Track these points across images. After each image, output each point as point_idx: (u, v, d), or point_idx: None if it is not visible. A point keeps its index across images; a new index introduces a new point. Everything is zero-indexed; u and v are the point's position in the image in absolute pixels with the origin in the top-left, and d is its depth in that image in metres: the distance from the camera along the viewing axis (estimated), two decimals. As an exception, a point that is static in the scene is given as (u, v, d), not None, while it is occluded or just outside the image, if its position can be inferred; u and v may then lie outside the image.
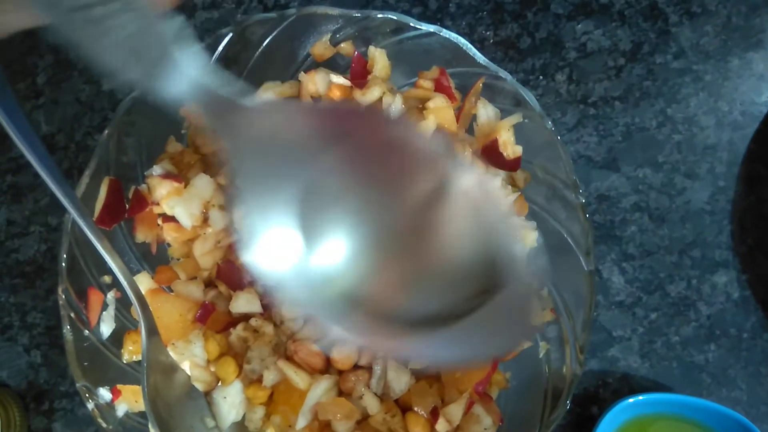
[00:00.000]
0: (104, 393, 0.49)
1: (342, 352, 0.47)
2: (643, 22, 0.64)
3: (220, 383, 0.50)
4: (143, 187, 0.53)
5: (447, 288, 0.31)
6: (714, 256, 0.60)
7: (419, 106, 0.51)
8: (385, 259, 0.31)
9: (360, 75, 0.53)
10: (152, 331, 0.46)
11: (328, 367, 0.49)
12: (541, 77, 0.64)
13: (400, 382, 0.48)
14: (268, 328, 0.50)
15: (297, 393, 0.48)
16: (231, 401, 0.50)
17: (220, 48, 0.53)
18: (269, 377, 0.49)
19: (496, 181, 0.29)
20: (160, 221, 0.52)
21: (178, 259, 0.54)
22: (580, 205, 0.49)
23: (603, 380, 0.59)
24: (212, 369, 0.50)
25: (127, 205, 0.53)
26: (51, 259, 0.64)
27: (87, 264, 0.51)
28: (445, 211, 0.30)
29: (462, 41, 0.51)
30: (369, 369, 0.48)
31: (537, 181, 0.53)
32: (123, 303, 0.52)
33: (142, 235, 0.54)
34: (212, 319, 0.51)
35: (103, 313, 0.51)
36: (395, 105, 0.50)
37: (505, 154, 0.50)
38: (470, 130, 0.54)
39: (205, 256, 0.51)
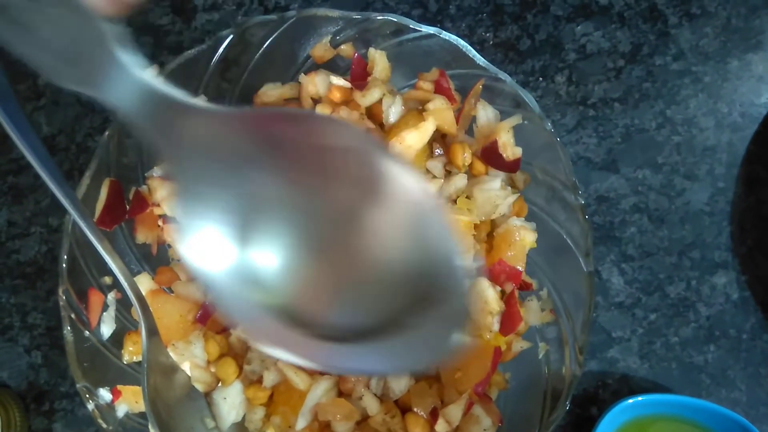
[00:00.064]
0: (104, 394, 0.49)
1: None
2: (643, 23, 0.64)
3: (220, 384, 0.50)
4: (144, 188, 0.53)
5: (380, 298, 0.30)
6: (713, 258, 0.60)
7: (419, 108, 0.51)
8: (318, 267, 0.31)
9: (360, 77, 0.54)
10: (152, 331, 0.46)
11: (327, 367, 0.49)
12: (540, 79, 0.64)
13: (399, 383, 0.48)
14: (268, 329, 0.50)
15: (297, 394, 0.48)
16: (231, 402, 0.50)
17: (221, 50, 0.53)
18: (269, 378, 0.49)
19: (433, 187, 0.28)
20: (160, 222, 0.52)
21: (179, 260, 0.54)
22: (579, 206, 0.49)
23: (602, 381, 0.59)
24: (212, 370, 0.50)
25: (127, 207, 0.53)
26: (52, 260, 0.64)
27: (87, 265, 0.51)
28: (381, 219, 0.30)
29: (462, 43, 0.51)
30: (369, 370, 0.48)
31: (536, 182, 0.53)
32: (123, 304, 0.52)
33: (142, 236, 0.54)
34: (213, 319, 0.51)
35: (104, 313, 0.51)
36: (395, 106, 0.51)
37: (504, 155, 0.50)
38: (470, 132, 0.54)
39: (206, 257, 0.51)
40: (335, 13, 0.52)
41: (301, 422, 0.47)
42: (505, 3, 0.66)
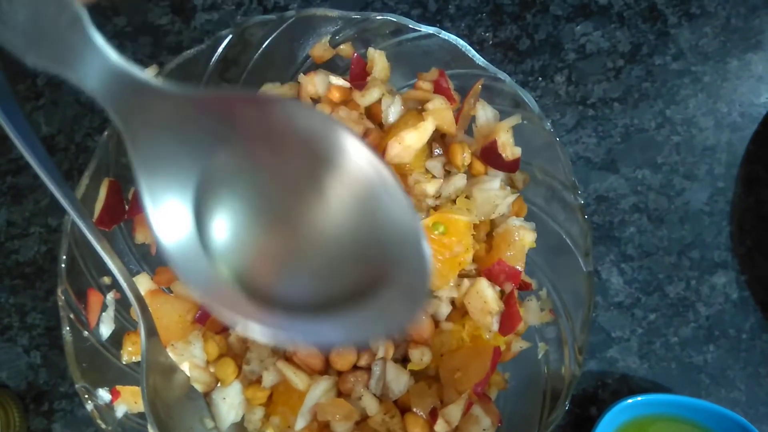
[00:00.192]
0: (103, 394, 0.49)
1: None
2: (642, 23, 0.64)
3: (219, 384, 0.50)
4: (139, 203, 0.53)
5: (339, 270, 0.32)
6: (713, 257, 0.60)
7: (418, 108, 0.51)
8: (275, 240, 0.32)
9: (359, 76, 0.54)
10: (151, 332, 0.46)
11: (327, 367, 0.49)
12: (540, 78, 0.64)
13: (399, 383, 0.48)
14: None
15: (296, 394, 0.48)
16: (230, 402, 0.50)
17: (220, 49, 0.53)
18: (268, 378, 0.49)
19: (385, 166, 0.30)
20: (159, 222, 0.52)
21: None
22: (578, 206, 0.49)
23: (602, 381, 0.59)
24: (211, 370, 0.50)
25: (126, 207, 0.53)
26: (51, 260, 0.64)
27: (86, 265, 0.51)
28: (338, 194, 0.31)
29: (461, 43, 0.51)
30: (368, 370, 0.48)
31: (536, 182, 0.53)
32: (122, 304, 0.52)
33: (141, 236, 0.54)
34: (212, 320, 0.51)
35: (103, 314, 0.51)
36: (394, 106, 0.50)
37: (504, 155, 0.50)
38: (469, 132, 0.54)
39: (205, 257, 0.51)
40: (334, 12, 0.52)
41: (300, 422, 0.47)
42: (505, 3, 0.66)
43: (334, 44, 0.55)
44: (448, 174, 0.52)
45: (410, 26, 0.51)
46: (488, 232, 0.52)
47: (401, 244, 0.30)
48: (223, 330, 0.52)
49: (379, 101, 0.51)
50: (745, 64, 0.63)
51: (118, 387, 0.50)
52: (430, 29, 0.51)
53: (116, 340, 0.51)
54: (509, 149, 0.51)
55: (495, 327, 0.48)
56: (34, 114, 0.67)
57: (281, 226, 0.32)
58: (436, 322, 0.49)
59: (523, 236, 0.50)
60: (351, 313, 0.31)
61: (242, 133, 0.31)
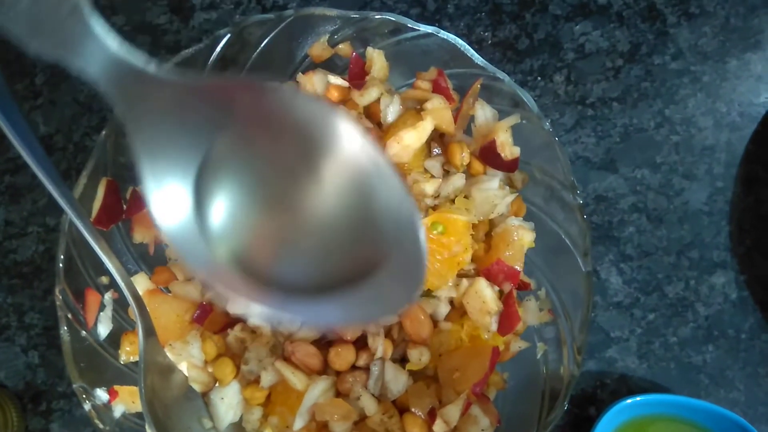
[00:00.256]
0: (101, 394, 0.49)
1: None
2: (642, 23, 0.64)
3: (217, 384, 0.50)
4: (141, 187, 0.53)
5: (335, 253, 0.32)
6: (712, 257, 0.60)
7: (417, 107, 0.51)
8: (273, 223, 0.33)
9: (358, 76, 0.53)
10: (149, 331, 0.46)
11: (325, 367, 0.49)
12: (539, 78, 0.64)
13: (397, 383, 0.48)
14: (266, 329, 0.50)
15: (294, 394, 0.48)
16: (228, 402, 0.50)
17: (218, 49, 0.53)
18: (267, 378, 0.49)
19: (381, 152, 0.30)
20: (157, 222, 0.52)
21: (176, 260, 0.54)
22: (577, 206, 0.49)
23: (601, 381, 0.59)
24: (210, 370, 0.50)
25: (124, 206, 0.53)
26: (49, 259, 0.64)
27: (84, 265, 0.51)
28: (334, 178, 0.32)
29: (460, 42, 0.51)
30: (366, 370, 0.48)
31: (535, 182, 0.53)
32: (120, 304, 0.52)
33: (139, 236, 0.54)
34: (210, 319, 0.51)
35: (101, 313, 0.51)
36: (393, 106, 0.50)
37: (503, 155, 0.50)
38: (468, 131, 0.54)
39: (203, 256, 0.51)
40: (333, 12, 0.52)
41: (299, 422, 0.47)
42: (504, 2, 0.66)
43: (332, 43, 0.55)
44: (446, 174, 0.52)
45: (409, 25, 0.51)
46: (487, 232, 0.52)
47: (396, 228, 0.31)
48: (222, 330, 0.51)
49: (377, 101, 0.51)
50: (744, 64, 0.63)
51: (116, 387, 0.50)
52: (429, 28, 0.51)
53: (114, 339, 0.51)
54: (508, 149, 0.50)
55: (494, 327, 0.48)
56: (33, 113, 0.66)
57: (279, 210, 0.33)
58: (435, 322, 0.49)
59: (521, 236, 0.49)
60: (348, 295, 0.31)
61: (241, 118, 0.31)
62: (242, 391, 0.50)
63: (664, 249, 0.60)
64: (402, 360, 0.49)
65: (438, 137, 0.52)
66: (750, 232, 0.60)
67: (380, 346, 0.48)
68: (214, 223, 0.32)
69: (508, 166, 0.51)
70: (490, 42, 0.65)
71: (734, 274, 0.60)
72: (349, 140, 0.31)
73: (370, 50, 0.53)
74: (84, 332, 0.50)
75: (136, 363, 0.50)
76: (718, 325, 0.59)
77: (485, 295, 0.48)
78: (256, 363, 0.49)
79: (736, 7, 0.64)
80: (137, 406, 0.50)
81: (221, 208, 0.32)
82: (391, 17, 0.51)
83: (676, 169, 0.62)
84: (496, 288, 0.49)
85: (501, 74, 0.50)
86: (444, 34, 0.51)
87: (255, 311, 0.31)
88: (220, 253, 0.32)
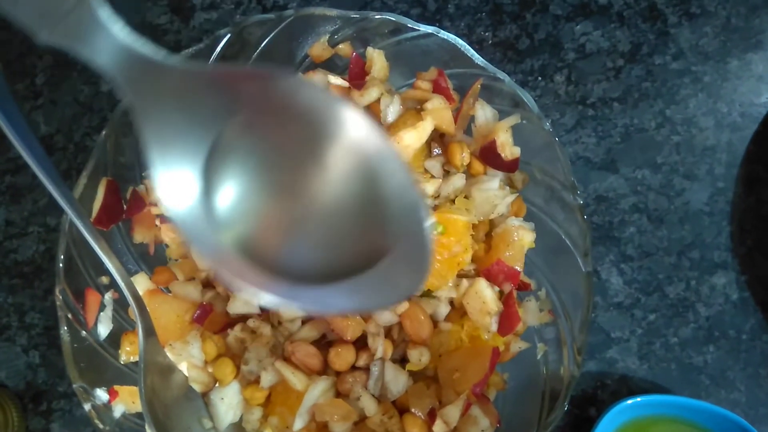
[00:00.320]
0: (101, 394, 0.49)
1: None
2: (642, 23, 0.64)
3: (217, 384, 0.50)
4: (141, 187, 0.53)
5: (340, 239, 0.32)
6: (713, 258, 0.60)
7: (417, 107, 0.51)
8: (281, 209, 0.33)
9: (358, 76, 0.53)
10: (149, 331, 0.46)
11: (325, 368, 0.49)
12: (539, 78, 0.64)
13: (397, 384, 0.47)
14: (266, 329, 0.50)
15: (294, 394, 0.48)
16: (228, 402, 0.50)
17: (219, 49, 0.53)
18: (267, 378, 0.49)
19: (388, 139, 0.30)
20: (157, 222, 0.52)
21: (176, 260, 0.54)
22: (578, 206, 0.49)
23: (601, 381, 0.59)
24: (210, 370, 0.50)
25: (124, 206, 0.53)
26: (49, 259, 0.64)
27: (84, 265, 0.51)
28: (341, 165, 0.32)
29: (460, 42, 0.51)
30: (366, 370, 0.48)
31: (535, 182, 0.53)
32: (120, 304, 0.52)
33: (139, 236, 0.54)
34: (210, 320, 0.51)
35: (101, 313, 0.51)
36: (393, 106, 0.50)
37: (503, 155, 0.50)
38: (468, 131, 0.53)
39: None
40: (333, 12, 0.52)
41: (299, 423, 0.47)
42: (504, 2, 0.66)
43: (332, 43, 0.55)
44: (446, 174, 0.51)
45: (409, 25, 0.51)
46: (487, 232, 0.52)
47: (402, 214, 0.31)
48: (222, 330, 0.51)
49: (377, 101, 0.51)
50: (746, 64, 0.63)
51: (116, 387, 0.50)
52: (429, 28, 0.51)
53: (114, 339, 0.51)
54: (508, 149, 0.50)
55: (494, 327, 0.48)
56: (33, 113, 0.67)
57: (286, 197, 0.33)
58: (435, 323, 0.49)
59: (522, 236, 0.49)
60: (355, 282, 0.31)
61: (248, 106, 0.32)
62: (242, 392, 0.50)
63: (665, 249, 0.60)
64: (402, 360, 0.49)
65: (438, 137, 0.52)
66: (751, 232, 0.60)
67: (380, 347, 0.48)
68: (222, 210, 0.32)
69: (508, 167, 0.51)
70: (490, 42, 0.65)
71: (735, 275, 0.59)
72: (356, 127, 0.31)
73: (370, 50, 0.53)
74: (84, 332, 0.50)
75: (136, 363, 0.50)
76: (719, 326, 0.59)
77: (485, 295, 0.48)
78: (256, 363, 0.49)
79: (737, 7, 0.64)
80: (137, 406, 0.50)
81: (229, 194, 0.33)
82: (391, 17, 0.51)
83: (677, 170, 0.61)
84: (497, 288, 0.49)
85: (501, 74, 0.50)
86: (444, 34, 0.51)
87: (264, 298, 0.31)
88: (228, 240, 0.32)
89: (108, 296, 0.52)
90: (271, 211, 0.33)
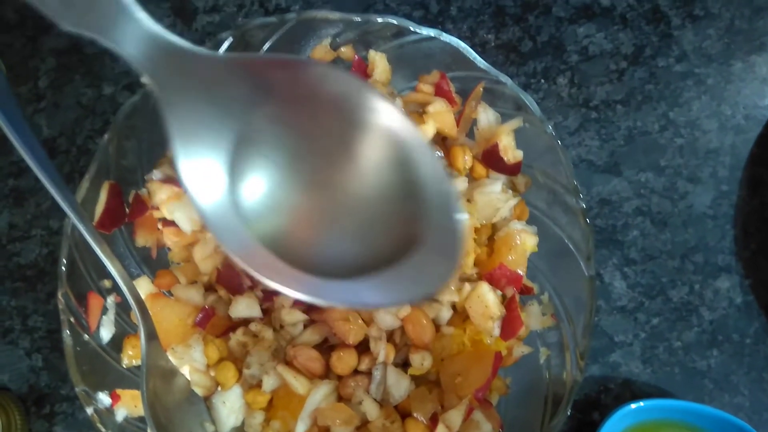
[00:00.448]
0: (103, 397, 0.49)
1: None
2: (646, 25, 0.64)
3: (219, 388, 0.50)
4: (143, 191, 0.53)
5: (371, 231, 0.32)
6: (717, 261, 0.60)
7: (419, 111, 0.51)
8: (309, 203, 0.32)
9: (360, 79, 0.53)
10: (152, 335, 0.46)
11: (327, 372, 0.49)
12: (542, 81, 0.64)
13: (399, 388, 0.47)
14: (268, 333, 0.50)
15: (296, 398, 0.48)
16: (230, 406, 0.50)
17: (221, 51, 0.52)
18: (269, 382, 0.48)
19: (418, 129, 0.30)
20: (160, 225, 0.52)
21: (179, 264, 0.54)
22: (580, 210, 0.48)
23: (604, 386, 0.58)
24: (212, 374, 0.50)
25: (127, 210, 0.53)
26: (52, 262, 0.64)
27: (87, 268, 0.51)
28: (371, 157, 0.31)
29: (462, 45, 0.50)
30: (368, 374, 0.48)
31: (538, 185, 0.53)
32: (123, 307, 0.52)
33: (142, 240, 0.54)
34: (212, 323, 0.51)
35: (103, 317, 0.51)
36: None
37: (505, 158, 0.50)
38: (471, 135, 0.53)
39: (205, 260, 0.51)
40: (335, 15, 0.52)
41: (301, 427, 0.47)
42: (507, 4, 0.66)
43: (335, 47, 0.55)
44: (449, 177, 0.51)
45: (411, 29, 0.51)
46: (489, 236, 0.51)
47: (433, 206, 0.30)
48: (224, 334, 0.51)
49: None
50: (749, 66, 0.63)
51: (118, 390, 0.50)
52: (432, 32, 0.51)
53: (116, 343, 0.51)
54: (511, 152, 0.50)
55: (496, 331, 0.48)
56: (36, 116, 0.67)
57: (316, 188, 0.32)
58: (437, 327, 0.49)
59: (524, 240, 0.49)
60: (386, 275, 0.31)
61: (276, 95, 0.31)
62: (244, 395, 0.50)
63: (669, 253, 0.60)
64: (404, 365, 0.49)
65: (440, 141, 0.52)
66: (755, 235, 0.60)
67: (382, 351, 0.48)
68: (249, 203, 0.32)
69: (510, 170, 0.51)
70: (493, 44, 0.65)
71: (739, 278, 0.59)
72: (386, 114, 0.30)
73: (372, 53, 0.53)
74: (86, 336, 0.50)
75: (138, 367, 0.50)
76: (723, 330, 0.59)
77: (488, 299, 0.47)
78: (258, 367, 0.49)
79: (740, 9, 0.63)
80: (139, 410, 0.50)
81: (257, 186, 0.32)
82: (393, 20, 0.51)
83: (681, 173, 0.61)
84: (499, 292, 0.49)
85: (504, 77, 0.50)
86: (446, 37, 0.51)
87: (293, 295, 0.30)
88: (256, 234, 0.32)
89: (110, 300, 0.52)
90: (301, 203, 0.32)
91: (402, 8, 0.66)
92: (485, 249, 0.51)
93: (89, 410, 0.48)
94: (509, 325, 0.48)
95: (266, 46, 0.54)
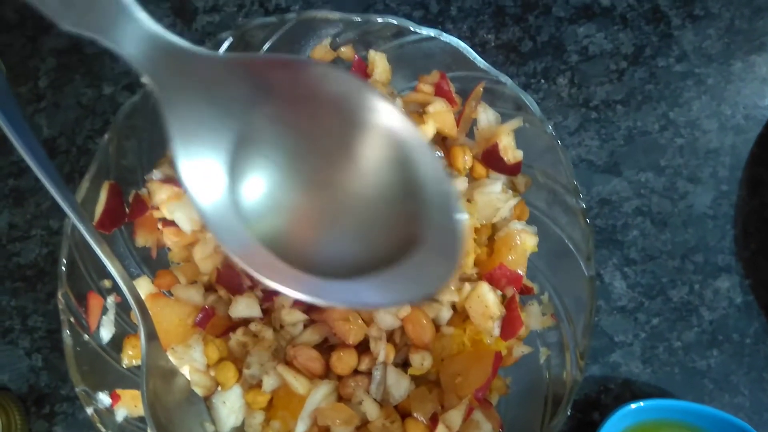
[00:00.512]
0: (103, 398, 0.49)
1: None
2: (646, 25, 0.64)
3: (219, 388, 0.50)
4: (143, 191, 0.53)
5: (371, 231, 0.32)
6: (716, 261, 0.60)
7: (419, 111, 0.51)
8: (309, 202, 0.33)
9: (360, 79, 0.53)
10: (152, 335, 0.46)
11: (327, 372, 0.49)
12: (542, 81, 0.64)
13: (399, 388, 0.47)
14: (268, 333, 0.50)
15: (296, 398, 0.48)
16: (230, 406, 0.50)
17: (221, 52, 0.52)
18: (269, 382, 0.48)
19: (418, 129, 0.30)
20: (160, 225, 0.52)
21: (179, 264, 0.54)
22: (580, 210, 0.48)
23: (604, 386, 0.58)
24: (212, 374, 0.50)
25: (127, 209, 0.53)
26: (52, 262, 0.64)
27: (87, 268, 0.51)
28: (371, 157, 0.31)
29: (462, 45, 0.50)
30: (368, 374, 0.48)
31: (538, 185, 0.53)
32: (123, 307, 0.52)
33: (142, 240, 0.54)
34: (212, 323, 0.51)
35: (103, 317, 0.51)
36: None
37: (505, 158, 0.50)
38: (470, 135, 0.53)
39: (205, 260, 0.51)
40: (335, 15, 0.52)
41: (301, 427, 0.47)
42: (507, 4, 0.66)
43: (335, 47, 0.55)
44: (449, 177, 0.51)
45: (411, 29, 0.51)
46: (489, 236, 0.51)
47: (433, 206, 0.30)
48: (224, 333, 0.51)
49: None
50: (749, 66, 0.63)
51: (119, 391, 0.50)
52: (431, 32, 0.51)
53: (116, 343, 0.51)
54: (511, 152, 0.50)
55: (496, 331, 0.48)
56: (36, 116, 0.67)
57: (316, 188, 0.32)
58: (437, 327, 0.49)
59: (524, 240, 0.49)
60: (386, 275, 0.31)
61: (276, 94, 0.31)
62: (244, 395, 0.50)
63: (669, 253, 0.60)
64: (404, 364, 0.49)
65: (440, 141, 0.52)
66: (755, 235, 0.60)
67: (382, 351, 0.48)
68: (249, 203, 0.32)
69: (510, 170, 0.51)
70: (493, 44, 0.65)
71: (739, 279, 0.59)
72: (386, 114, 0.30)
73: (372, 53, 0.53)
74: (86, 336, 0.50)
75: (138, 367, 0.50)
76: (723, 330, 0.59)
77: (488, 299, 0.47)
78: (258, 367, 0.49)
79: (740, 9, 0.63)
80: (139, 410, 0.50)
81: (257, 186, 0.32)
82: (393, 20, 0.51)
83: (681, 173, 0.61)
84: (499, 292, 0.49)
85: (503, 77, 0.50)
86: (446, 38, 0.51)
87: (293, 295, 0.30)
88: (256, 234, 0.32)
89: (110, 300, 0.52)
90: (301, 203, 0.32)
91: (402, 8, 0.66)
92: (485, 249, 0.51)
93: (89, 410, 0.48)
94: (509, 325, 0.48)
95: (266, 46, 0.54)
